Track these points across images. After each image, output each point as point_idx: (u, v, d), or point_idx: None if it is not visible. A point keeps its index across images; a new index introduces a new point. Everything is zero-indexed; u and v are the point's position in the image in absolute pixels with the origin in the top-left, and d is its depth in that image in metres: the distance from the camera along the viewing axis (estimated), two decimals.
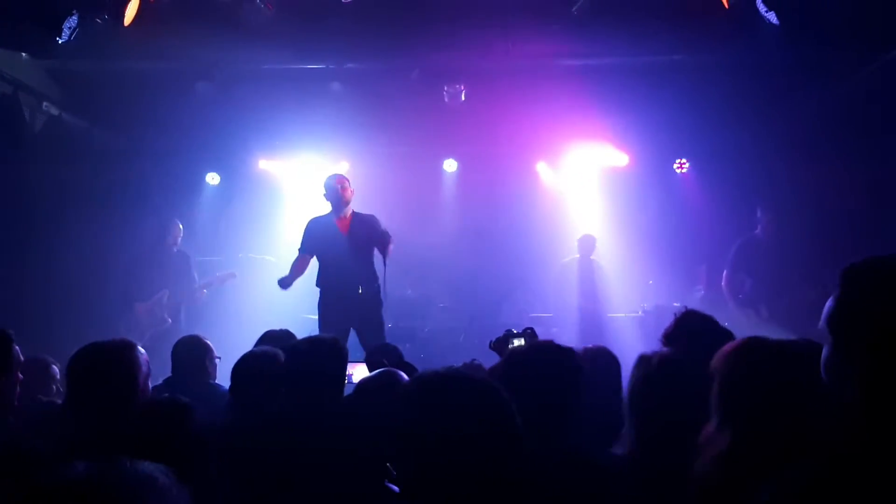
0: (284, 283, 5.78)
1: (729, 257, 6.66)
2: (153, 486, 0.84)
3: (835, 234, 6.03)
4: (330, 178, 5.93)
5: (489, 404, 1.45)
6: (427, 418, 1.41)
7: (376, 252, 5.71)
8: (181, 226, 7.16)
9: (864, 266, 1.22)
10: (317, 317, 7.76)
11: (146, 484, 0.83)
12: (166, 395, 2.35)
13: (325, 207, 5.93)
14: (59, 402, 3.20)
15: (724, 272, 6.67)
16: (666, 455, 1.79)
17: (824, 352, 1.26)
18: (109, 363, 2.46)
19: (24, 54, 6.44)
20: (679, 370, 1.96)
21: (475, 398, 1.44)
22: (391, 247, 5.57)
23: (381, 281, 5.67)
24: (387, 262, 5.57)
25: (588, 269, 7.64)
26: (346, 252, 5.69)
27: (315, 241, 5.83)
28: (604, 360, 2.91)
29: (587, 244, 7.71)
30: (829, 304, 1.25)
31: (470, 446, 1.37)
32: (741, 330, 3.04)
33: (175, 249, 7.02)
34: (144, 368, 2.64)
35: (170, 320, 6.79)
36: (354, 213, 5.89)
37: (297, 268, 5.84)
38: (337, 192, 5.77)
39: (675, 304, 6.87)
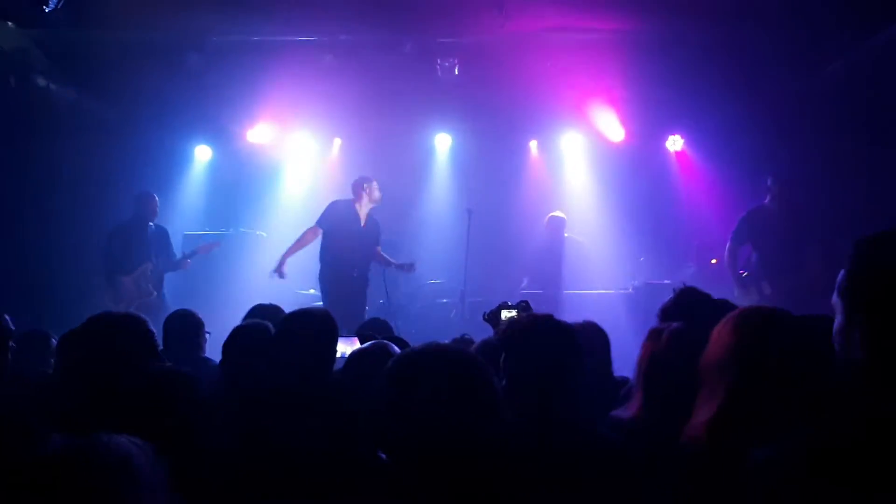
0: (280, 263, 6.66)
1: (733, 228, 6.20)
2: (127, 462, 0.83)
3: (846, 210, 5.81)
4: (365, 178, 6.72)
5: (464, 375, 1.47)
6: (401, 391, 1.45)
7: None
8: (157, 198, 7.10)
9: (877, 237, 1.25)
10: (309, 292, 7.82)
11: (120, 460, 0.82)
12: (169, 365, 2.34)
13: (346, 195, 6.77)
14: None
15: (727, 244, 6.23)
16: (676, 419, 1.81)
17: (836, 322, 1.28)
18: (128, 333, 2.44)
19: (9, 23, 6.33)
20: (690, 342, 1.99)
21: (449, 369, 1.47)
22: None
23: (382, 279, 6.62)
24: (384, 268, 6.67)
25: (555, 250, 7.54)
26: (359, 240, 6.53)
27: (334, 219, 6.59)
28: (592, 335, 2.93)
29: (555, 225, 7.62)
30: (841, 274, 1.28)
31: (445, 417, 1.39)
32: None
33: (152, 224, 6.98)
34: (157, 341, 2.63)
35: (154, 292, 6.79)
36: (368, 214, 6.72)
37: (303, 240, 6.69)
38: (365, 191, 6.61)
39: (666, 282, 6.93)
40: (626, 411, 2.09)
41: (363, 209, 6.64)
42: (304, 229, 6.73)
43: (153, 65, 6.86)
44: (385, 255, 6.72)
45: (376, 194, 6.64)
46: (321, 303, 6.83)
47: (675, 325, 2.12)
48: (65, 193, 7.14)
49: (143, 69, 6.87)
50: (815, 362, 1.60)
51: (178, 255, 7.21)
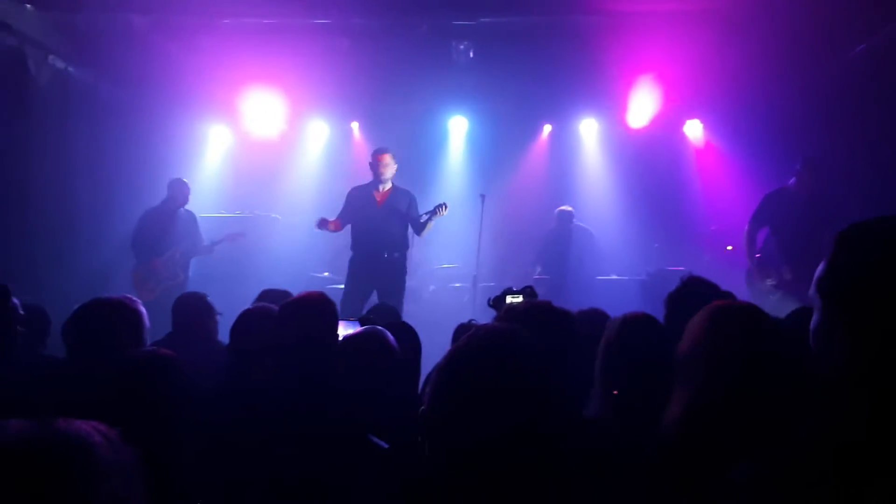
0: (322, 223, 6.30)
1: (754, 209, 6.03)
2: (84, 448, 0.82)
3: (869, 198, 5.64)
4: (373, 152, 6.40)
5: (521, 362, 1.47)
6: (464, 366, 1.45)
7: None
8: (189, 185, 7.17)
9: (856, 228, 1.18)
10: (324, 275, 7.87)
11: (76, 446, 0.82)
12: (151, 348, 2.37)
13: (367, 177, 6.45)
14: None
15: (747, 225, 6.05)
16: (632, 415, 1.81)
17: (813, 319, 1.22)
18: (116, 318, 2.48)
19: (29, 6, 6.37)
20: (644, 330, 1.98)
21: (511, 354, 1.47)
22: (425, 232, 6.25)
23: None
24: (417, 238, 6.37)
25: (563, 239, 7.56)
26: (377, 221, 6.20)
27: (351, 209, 6.34)
28: (598, 321, 2.91)
29: (563, 217, 7.65)
30: (819, 267, 1.21)
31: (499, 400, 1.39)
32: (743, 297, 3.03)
33: (182, 209, 7.07)
34: (146, 323, 2.67)
35: (181, 275, 6.90)
36: (394, 187, 6.35)
37: (334, 227, 6.35)
38: (375, 166, 6.27)
39: (680, 268, 6.88)
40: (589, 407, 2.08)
41: (383, 186, 6.29)
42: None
43: (170, 47, 6.89)
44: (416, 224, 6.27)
45: (385, 166, 6.22)
46: (338, 286, 6.88)
47: (630, 313, 2.11)
48: (82, 176, 7.22)
49: (159, 52, 6.90)
50: (788, 364, 1.58)
51: (205, 239, 7.27)
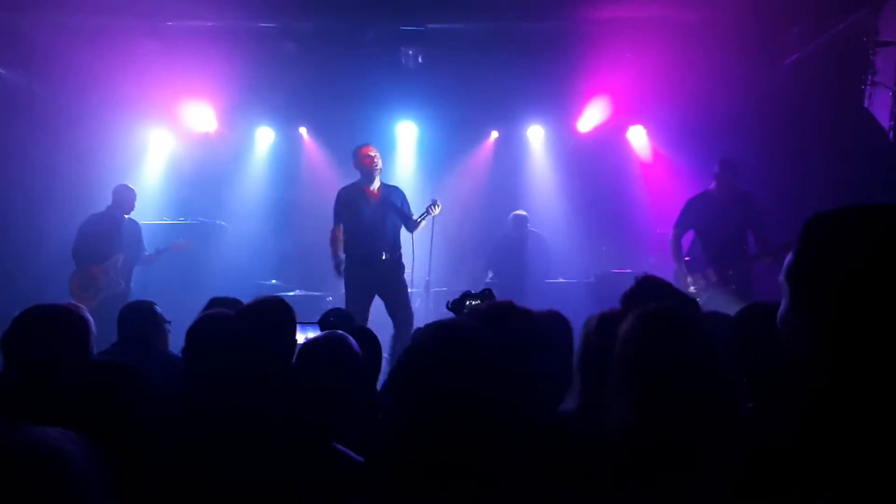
0: (337, 263, 5.86)
1: (678, 214, 6.18)
2: (56, 454, 0.79)
3: (803, 197, 5.79)
4: (356, 149, 6.03)
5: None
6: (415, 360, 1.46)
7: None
8: (135, 191, 6.97)
9: (825, 216, 1.19)
10: (271, 282, 7.74)
11: (48, 452, 0.79)
12: (111, 359, 2.28)
13: (353, 177, 6.11)
14: None
15: (672, 230, 6.18)
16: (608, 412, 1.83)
17: (781, 307, 1.23)
18: (60, 325, 2.38)
19: None
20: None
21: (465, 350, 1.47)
22: (418, 230, 6.08)
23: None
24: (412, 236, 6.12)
25: (518, 244, 7.64)
26: (372, 220, 5.89)
27: (344, 209, 5.95)
28: (555, 322, 2.94)
29: (518, 222, 7.71)
30: (788, 257, 1.22)
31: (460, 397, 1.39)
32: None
33: (126, 216, 6.85)
34: (93, 331, 2.57)
35: (123, 283, 6.68)
36: (383, 184, 6.04)
37: (336, 238, 5.93)
38: (363, 161, 5.93)
39: (627, 271, 7.03)
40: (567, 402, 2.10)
41: (374, 183, 5.94)
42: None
43: (108, 51, 6.69)
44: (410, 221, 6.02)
45: (375, 157, 5.90)
46: (287, 293, 6.76)
47: (608, 309, 2.16)
48: (15, 181, 6.94)
49: (97, 55, 6.69)
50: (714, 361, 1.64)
51: (148, 248, 7.06)
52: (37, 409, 1.72)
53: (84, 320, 2.42)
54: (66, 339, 2.30)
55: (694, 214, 6.05)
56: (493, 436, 1.41)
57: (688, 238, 6.23)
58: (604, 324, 2.03)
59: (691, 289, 5.96)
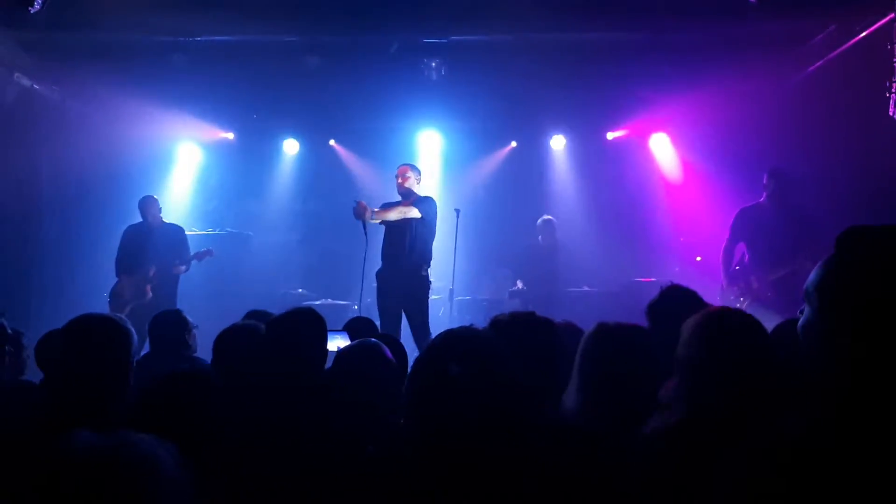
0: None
1: (730, 226, 6.16)
2: (153, 460, 0.83)
3: (840, 208, 5.72)
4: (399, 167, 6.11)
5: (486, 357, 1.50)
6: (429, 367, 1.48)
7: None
8: (156, 200, 7.08)
9: (855, 233, 1.21)
10: (297, 291, 7.83)
11: (146, 458, 0.82)
12: (186, 366, 2.34)
13: (377, 186, 6.41)
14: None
15: (725, 241, 6.17)
16: (610, 421, 1.86)
17: (804, 316, 1.25)
18: (104, 337, 2.43)
19: None
20: (621, 338, 2.04)
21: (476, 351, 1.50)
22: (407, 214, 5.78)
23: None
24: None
25: (548, 252, 7.59)
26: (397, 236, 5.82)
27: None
28: (570, 335, 2.96)
29: (547, 227, 7.68)
30: (817, 268, 1.24)
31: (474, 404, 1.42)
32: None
33: (158, 224, 6.93)
34: (136, 343, 2.63)
35: (150, 294, 6.73)
36: (417, 198, 5.95)
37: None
38: (397, 182, 6.00)
39: (651, 280, 7.00)
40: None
41: (409, 201, 5.97)
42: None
43: (137, 66, 6.84)
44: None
45: (404, 181, 5.99)
46: (314, 303, 6.83)
47: (610, 322, 2.18)
48: (51, 195, 7.11)
49: (127, 70, 6.84)
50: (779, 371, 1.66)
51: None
52: (103, 418, 1.77)
53: (125, 331, 2.49)
54: (108, 350, 2.36)
55: (742, 225, 6.06)
56: (503, 447, 1.43)
57: (738, 251, 6.16)
58: (600, 335, 2.08)
59: (733, 297, 5.93)
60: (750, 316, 1.83)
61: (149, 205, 6.91)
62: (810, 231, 5.64)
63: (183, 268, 6.94)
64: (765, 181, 5.96)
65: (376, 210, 5.78)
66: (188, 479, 0.88)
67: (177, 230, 7.05)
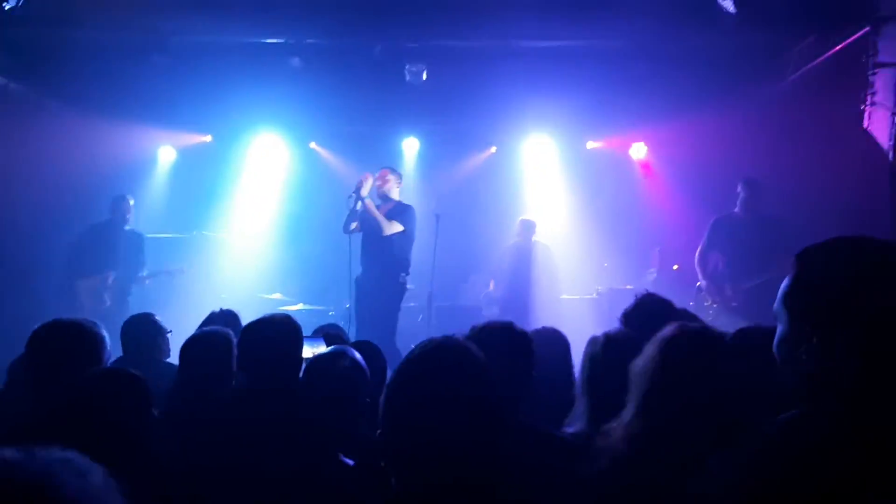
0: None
1: (705, 233, 6.31)
2: (42, 483, 0.72)
3: (813, 218, 5.72)
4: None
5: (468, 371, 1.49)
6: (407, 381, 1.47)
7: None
8: (132, 201, 6.98)
9: (815, 249, 1.28)
10: (273, 296, 7.76)
11: (32, 482, 0.72)
12: (119, 366, 2.30)
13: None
14: None
15: (698, 248, 6.32)
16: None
17: (778, 330, 1.30)
18: (75, 341, 2.38)
19: None
20: (625, 348, 2.04)
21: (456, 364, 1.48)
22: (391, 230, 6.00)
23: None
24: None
25: (525, 254, 7.59)
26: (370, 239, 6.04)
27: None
28: (553, 341, 2.97)
29: (525, 228, 7.68)
30: (784, 282, 1.30)
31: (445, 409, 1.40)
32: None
33: (126, 227, 6.82)
34: (108, 347, 2.58)
35: (108, 302, 6.56)
36: (396, 203, 6.20)
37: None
38: (377, 184, 6.20)
39: (629, 287, 7.05)
40: (573, 423, 2.12)
41: (386, 205, 6.26)
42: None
43: (116, 65, 6.75)
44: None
45: (379, 183, 6.27)
46: (290, 307, 6.77)
47: (611, 330, 2.19)
48: (21, 194, 6.98)
49: (106, 69, 6.75)
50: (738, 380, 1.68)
51: (148, 261, 7.02)
52: (48, 424, 1.72)
53: (98, 336, 2.44)
54: (81, 356, 2.31)
55: (716, 235, 6.16)
56: (483, 456, 1.42)
57: (712, 259, 6.25)
58: (610, 344, 2.06)
59: (706, 304, 6.06)
60: (707, 335, 1.85)
61: (121, 204, 6.76)
62: (784, 240, 5.70)
63: (146, 279, 6.77)
64: (738, 190, 6.03)
65: (370, 202, 5.98)
66: (108, 495, 0.78)
67: (137, 237, 6.89)
